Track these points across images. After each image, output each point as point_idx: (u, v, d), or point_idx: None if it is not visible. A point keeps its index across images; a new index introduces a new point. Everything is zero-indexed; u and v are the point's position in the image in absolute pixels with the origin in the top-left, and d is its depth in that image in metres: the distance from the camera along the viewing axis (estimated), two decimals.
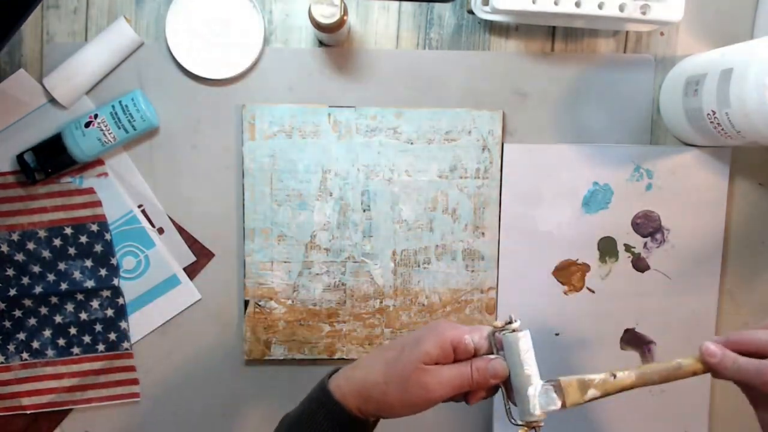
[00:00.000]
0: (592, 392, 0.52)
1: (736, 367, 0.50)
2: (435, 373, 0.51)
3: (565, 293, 0.75)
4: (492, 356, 0.52)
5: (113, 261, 0.73)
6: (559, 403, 0.51)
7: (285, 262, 0.73)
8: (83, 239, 0.72)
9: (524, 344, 0.52)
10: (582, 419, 0.76)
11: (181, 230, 0.74)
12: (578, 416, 0.76)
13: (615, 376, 0.51)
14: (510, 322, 0.53)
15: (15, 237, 0.72)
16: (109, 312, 0.73)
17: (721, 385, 0.77)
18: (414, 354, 0.51)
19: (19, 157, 0.70)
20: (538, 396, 0.51)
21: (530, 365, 0.52)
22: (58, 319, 0.73)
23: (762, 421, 0.52)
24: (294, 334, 0.74)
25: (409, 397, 0.51)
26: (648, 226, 0.75)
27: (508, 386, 0.53)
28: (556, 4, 0.65)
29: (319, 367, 0.75)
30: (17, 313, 0.73)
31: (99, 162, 0.72)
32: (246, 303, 0.73)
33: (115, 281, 0.73)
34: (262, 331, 0.74)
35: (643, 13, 0.65)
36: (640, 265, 0.75)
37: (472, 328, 0.53)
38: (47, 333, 0.73)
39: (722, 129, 0.64)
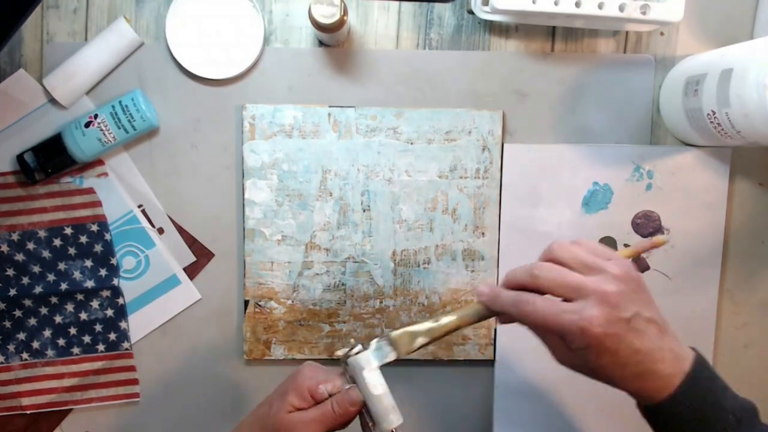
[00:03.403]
0: (420, 340, 0.55)
1: (500, 301, 0.53)
2: (299, 417, 0.56)
3: None
4: (347, 386, 0.56)
5: (113, 261, 0.73)
6: (393, 355, 0.56)
7: (285, 262, 0.73)
8: (83, 239, 0.72)
9: (364, 362, 0.55)
10: (580, 420, 0.76)
11: (181, 230, 0.74)
12: (576, 417, 0.76)
13: (438, 321, 0.55)
14: (352, 348, 0.56)
15: (15, 237, 0.72)
16: (109, 312, 0.73)
17: None
18: (279, 406, 0.56)
19: (19, 157, 0.70)
20: (372, 352, 0.56)
21: (376, 383, 0.55)
22: (58, 319, 0.73)
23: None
24: (294, 334, 0.74)
25: None
26: (648, 226, 0.75)
27: (368, 410, 0.56)
28: (556, 4, 0.65)
29: None
30: (17, 313, 0.73)
31: (99, 162, 0.72)
32: (246, 303, 0.73)
33: (115, 281, 0.73)
34: (262, 331, 0.74)
35: (643, 13, 0.65)
36: (640, 265, 0.75)
37: (329, 375, 0.57)
38: (47, 333, 0.73)
39: (722, 129, 0.64)
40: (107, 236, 0.73)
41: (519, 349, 0.75)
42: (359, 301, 0.74)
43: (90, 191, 0.72)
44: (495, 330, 0.75)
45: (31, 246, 0.72)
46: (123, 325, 0.73)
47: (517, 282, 0.52)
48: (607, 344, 0.48)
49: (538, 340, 0.54)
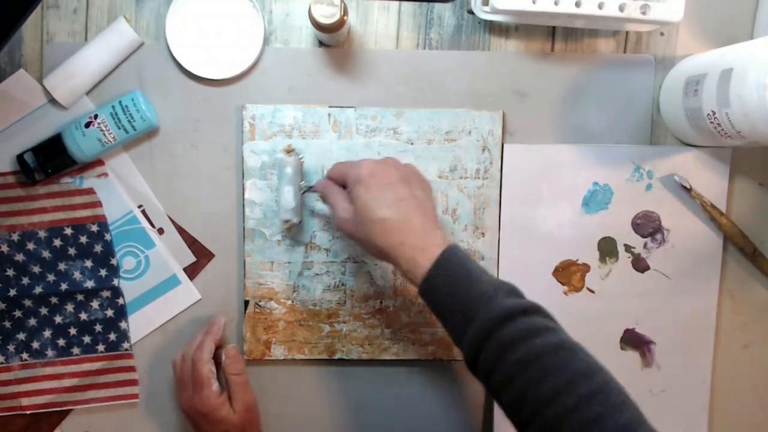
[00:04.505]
0: None
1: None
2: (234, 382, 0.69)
3: (565, 293, 0.75)
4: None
5: (113, 261, 0.73)
6: None
7: (285, 262, 0.73)
8: (83, 239, 0.72)
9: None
10: None
11: (181, 230, 0.74)
12: None
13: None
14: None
15: (15, 237, 0.72)
16: (109, 312, 0.73)
17: (721, 387, 0.77)
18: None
19: (19, 157, 0.70)
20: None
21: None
22: (58, 319, 0.73)
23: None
24: (294, 335, 0.74)
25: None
26: (648, 226, 0.75)
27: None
28: (556, 4, 0.65)
29: (319, 367, 0.75)
30: (17, 313, 0.73)
31: (99, 162, 0.72)
32: (246, 303, 0.73)
33: (115, 281, 0.73)
34: (262, 331, 0.74)
35: (643, 13, 0.65)
36: (640, 265, 0.75)
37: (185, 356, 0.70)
38: (47, 333, 0.73)
39: (722, 129, 0.64)
40: (107, 236, 0.73)
41: None
42: (359, 301, 0.74)
43: (90, 191, 0.72)
44: None
45: (31, 246, 0.72)
46: (123, 325, 0.73)
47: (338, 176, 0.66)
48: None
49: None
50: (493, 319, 0.53)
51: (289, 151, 0.71)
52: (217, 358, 0.70)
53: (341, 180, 0.65)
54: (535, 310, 0.54)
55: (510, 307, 0.53)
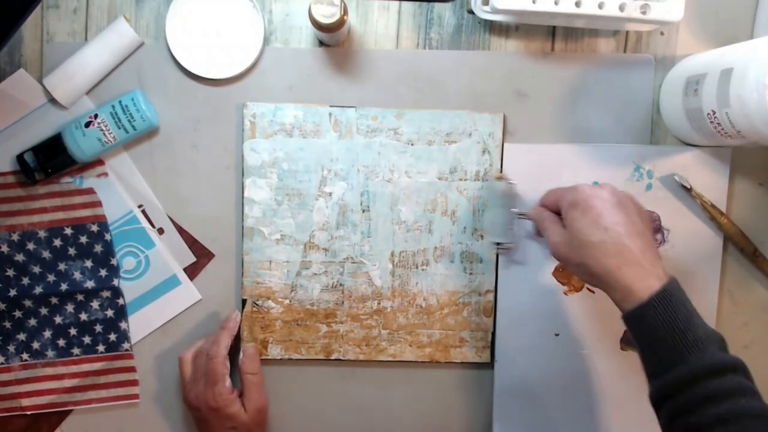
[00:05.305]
0: None
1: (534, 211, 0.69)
2: (250, 380, 0.71)
3: (565, 293, 0.75)
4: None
5: (113, 261, 0.73)
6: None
7: (283, 261, 0.73)
8: (83, 239, 0.72)
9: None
10: (580, 420, 0.76)
11: (181, 230, 0.74)
12: (576, 417, 0.76)
13: None
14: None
15: (15, 237, 0.72)
16: (109, 312, 0.73)
17: None
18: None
19: (19, 157, 0.70)
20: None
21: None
22: (58, 319, 0.73)
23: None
24: (291, 334, 0.74)
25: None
26: None
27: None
28: (556, 4, 0.65)
29: (315, 367, 0.75)
30: (17, 313, 0.73)
31: (99, 162, 0.72)
32: (244, 302, 0.73)
33: (115, 282, 0.73)
34: (260, 330, 0.74)
35: (643, 13, 0.65)
36: None
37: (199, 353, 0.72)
38: (47, 334, 0.73)
39: (722, 129, 0.64)
40: (107, 236, 0.73)
41: (519, 349, 0.75)
42: (357, 301, 0.74)
43: (90, 191, 0.72)
44: (493, 333, 0.75)
45: (31, 246, 0.72)
46: (123, 325, 0.73)
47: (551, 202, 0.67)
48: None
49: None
50: (704, 369, 0.53)
51: (500, 177, 0.72)
52: (230, 355, 0.70)
53: (554, 206, 0.65)
54: (742, 368, 0.55)
55: (722, 361, 0.54)
